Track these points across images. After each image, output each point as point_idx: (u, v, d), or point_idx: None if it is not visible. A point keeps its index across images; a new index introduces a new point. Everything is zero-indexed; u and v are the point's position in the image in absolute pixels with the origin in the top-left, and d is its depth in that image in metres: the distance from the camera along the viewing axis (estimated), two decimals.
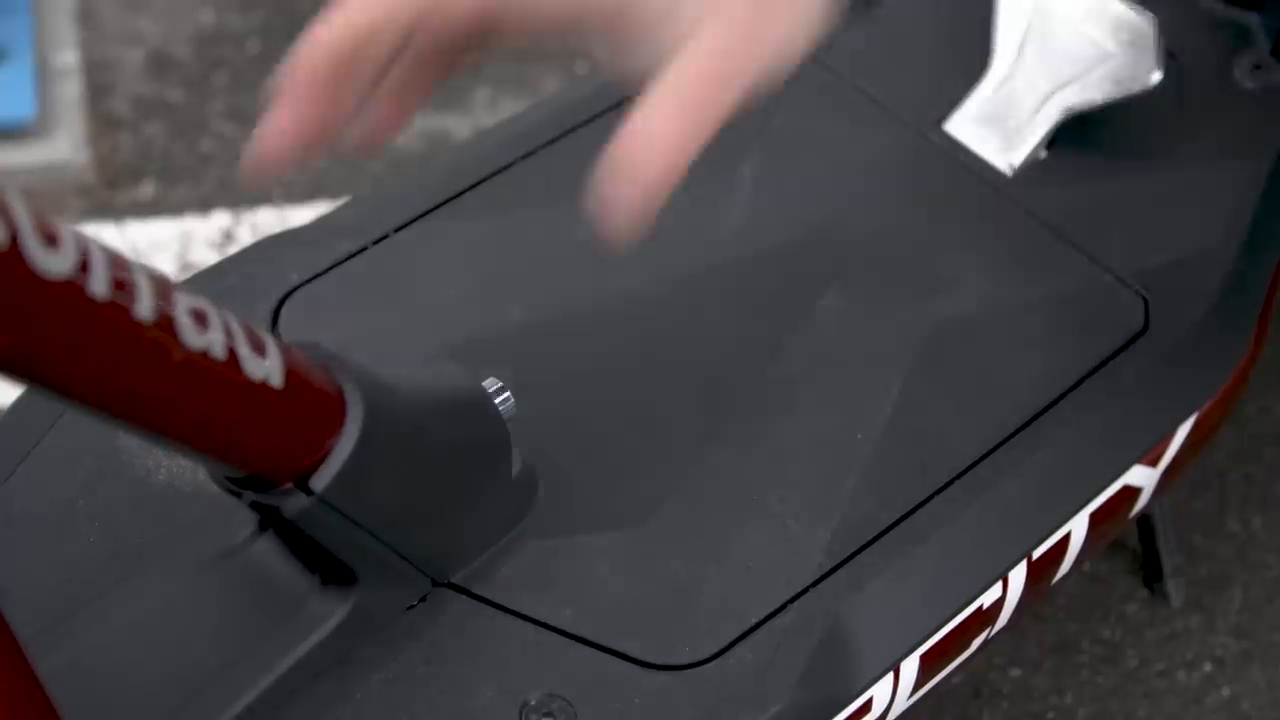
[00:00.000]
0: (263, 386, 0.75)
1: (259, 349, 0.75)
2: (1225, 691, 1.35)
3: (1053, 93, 1.18)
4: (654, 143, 0.69)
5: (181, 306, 0.69)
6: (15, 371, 0.64)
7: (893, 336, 1.10)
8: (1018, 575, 1.05)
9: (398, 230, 1.12)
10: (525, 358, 1.08)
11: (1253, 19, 1.26)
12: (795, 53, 0.74)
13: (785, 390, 1.08)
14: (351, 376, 0.83)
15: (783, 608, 0.97)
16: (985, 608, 1.03)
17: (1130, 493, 1.11)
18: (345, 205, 1.16)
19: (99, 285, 0.64)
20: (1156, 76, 1.18)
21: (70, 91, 1.67)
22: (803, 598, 0.98)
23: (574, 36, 0.74)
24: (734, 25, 0.71)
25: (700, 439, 1.05)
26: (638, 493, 1.03)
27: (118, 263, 0.65)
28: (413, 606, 0.94)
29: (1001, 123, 1.18)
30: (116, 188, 1.64)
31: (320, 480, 0.82)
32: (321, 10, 0.71)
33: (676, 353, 1.08)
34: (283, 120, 0.73)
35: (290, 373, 0.77)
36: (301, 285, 1.08)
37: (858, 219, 1.16)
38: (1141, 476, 1.10)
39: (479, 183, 1.15)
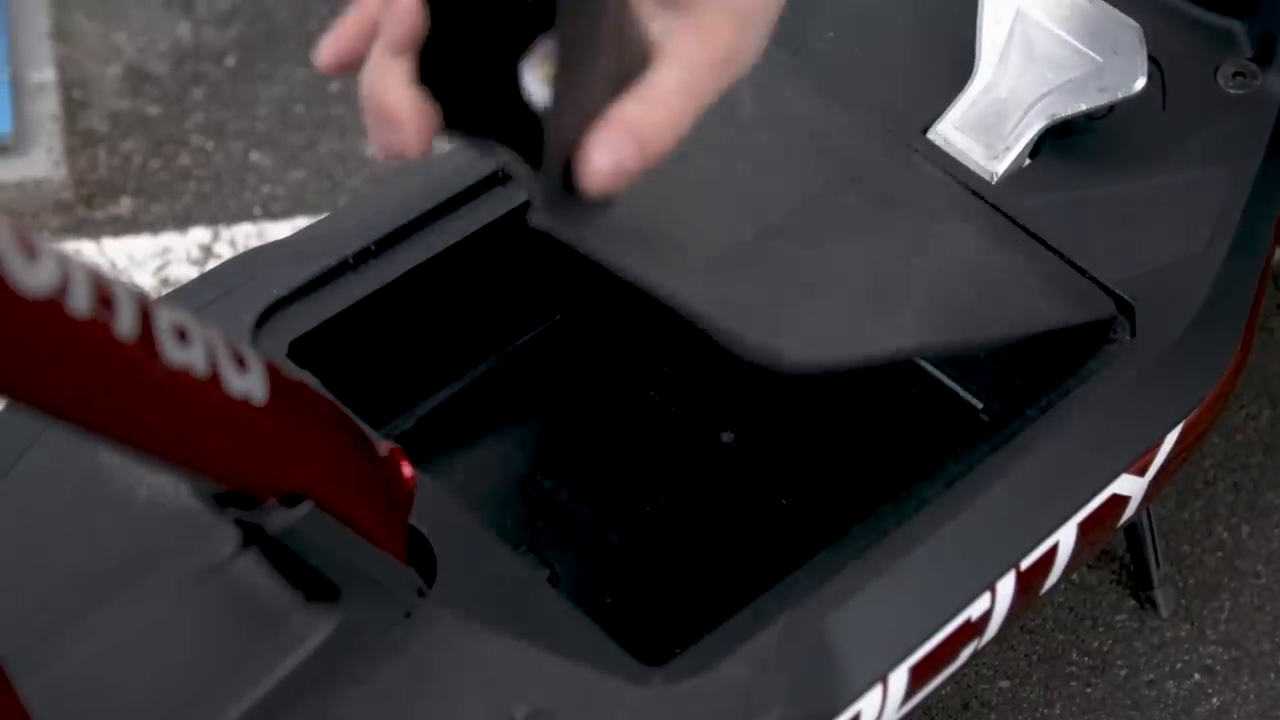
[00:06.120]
0: (245, 403, 0.74)
1: (242, 364, 0.74)
2: (1215, 701, 1.35)
3: (1037, 100, 1.18)
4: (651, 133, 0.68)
5: (163, 322, 0.69)
6: None
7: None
8: (1006, 585, 1.04)
9: (378, 243, 1.11)
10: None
11: (1236, 25, 1.25)
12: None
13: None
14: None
15: (770, 621, 0.96)
16: (974, 619, 1.03)
17: (1118, 501, 1.10)
18: (327, 219, 1.16)
19: (80, 302, 0.63)
20: (1140, 83, 1.17)
21: (47, 108, 1.66)
22: (790, 610, 0.97)
23: None
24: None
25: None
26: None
27: (99, 279, 0.65)
28: (397, 622, 0.93)
29: (986, 130, 1.18)
30: (94, 204, 1.64)
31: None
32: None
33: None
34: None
35: (273, 388, 0.76)
36: (283, 299, 1.08)
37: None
38: (1129, 485, 1.10)
39: (460, 195, 1.14)
